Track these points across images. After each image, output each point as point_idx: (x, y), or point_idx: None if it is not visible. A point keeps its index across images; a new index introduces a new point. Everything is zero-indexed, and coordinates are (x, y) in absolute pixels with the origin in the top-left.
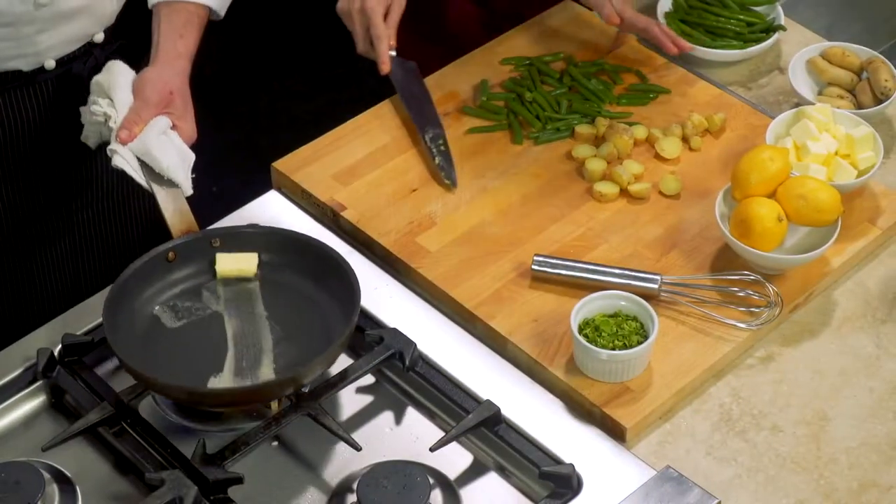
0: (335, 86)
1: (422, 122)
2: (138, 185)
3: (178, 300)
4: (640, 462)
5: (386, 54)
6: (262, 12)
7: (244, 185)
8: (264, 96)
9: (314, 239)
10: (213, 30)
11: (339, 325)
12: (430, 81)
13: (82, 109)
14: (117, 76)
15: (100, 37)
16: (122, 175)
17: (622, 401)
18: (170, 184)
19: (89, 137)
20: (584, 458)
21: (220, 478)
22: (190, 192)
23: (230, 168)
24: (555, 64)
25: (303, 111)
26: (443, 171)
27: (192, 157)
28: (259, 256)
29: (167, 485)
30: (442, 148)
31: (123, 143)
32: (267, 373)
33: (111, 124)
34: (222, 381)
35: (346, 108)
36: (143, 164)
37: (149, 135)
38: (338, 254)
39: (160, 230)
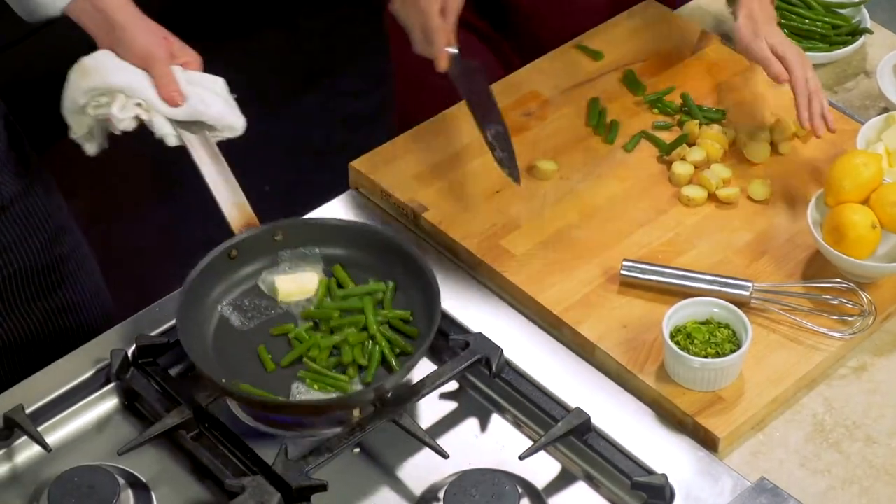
0: (388, 83)
1: (484, 119)
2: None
3: (246, 298)
4: (733, 473)
5: (443, 49)
6: (311, 8)
7: (299, 185)
8: (313, 94)
9: (386, 231)
10: (262, 27)
11: (421, 329)
12: (508, 82)
13: (72, 119)
14: (104, 62)
15: None
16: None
17: (714, 410)
18: (219, 131)
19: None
20: (675, 469)
21: (304, 485)
22: (243, 123)
23: (281, 167)
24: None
25: (355, 109)
26: (505, 168)
27: (221, 82)
28: (324, 253)
29: (248, 491)
30: (503, 143)
31: (178, 105)
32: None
33: (136, 110)
34: (301, 387)
35: None
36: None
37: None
38: (413, 248)
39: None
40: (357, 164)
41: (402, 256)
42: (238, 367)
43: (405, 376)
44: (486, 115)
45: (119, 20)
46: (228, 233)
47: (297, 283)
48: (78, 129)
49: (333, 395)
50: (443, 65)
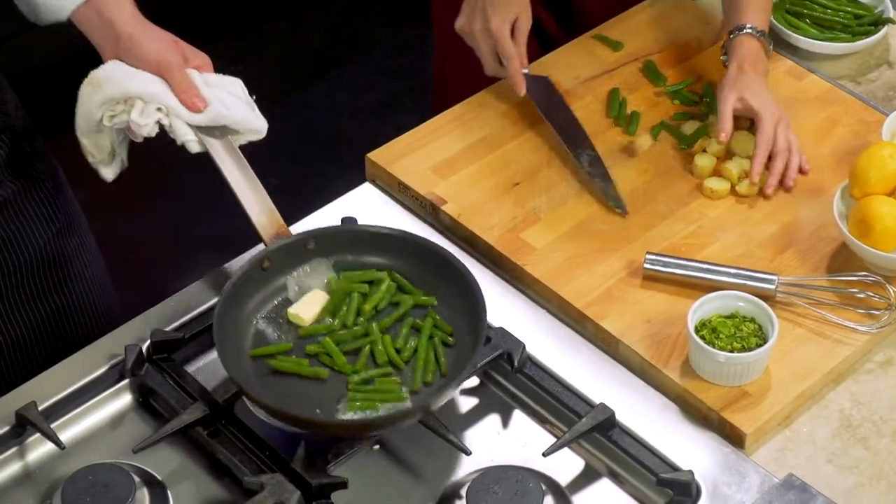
0: (398, 75)
1: (574, 146)
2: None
3: (281, 310)
4: (760, 469)
5: (519, 74)
6: None
7: (306, 177)
8: (318, 86)
9: (428, 241)
10: (266, 19)
11: (465, 343)
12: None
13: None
14: (116, 72)
15: None
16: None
17: (740, 405)
18: (241, 134)
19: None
20: (701, 465)
21: (324, 482)
22: (265, 126)
23: (288, 160)
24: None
25: (362, 101)
26: (610, 200)
27: (239, 83)
28: (359, 261)
29: (267, 489)
30: (601, 170)
31: (200, 111)
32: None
33: (157, 115)
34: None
35: (409, 99)
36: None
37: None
38: (457, 259)
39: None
40: (374, 156)
41: (443, 265)
42: (277, 386)
43: (455, 390)
44: (575, 140)
45: (126, 30)
46: (233, 229)
47: (311, 305)
48: (96, 151)
49: (382, 414)
50: (521, 90)
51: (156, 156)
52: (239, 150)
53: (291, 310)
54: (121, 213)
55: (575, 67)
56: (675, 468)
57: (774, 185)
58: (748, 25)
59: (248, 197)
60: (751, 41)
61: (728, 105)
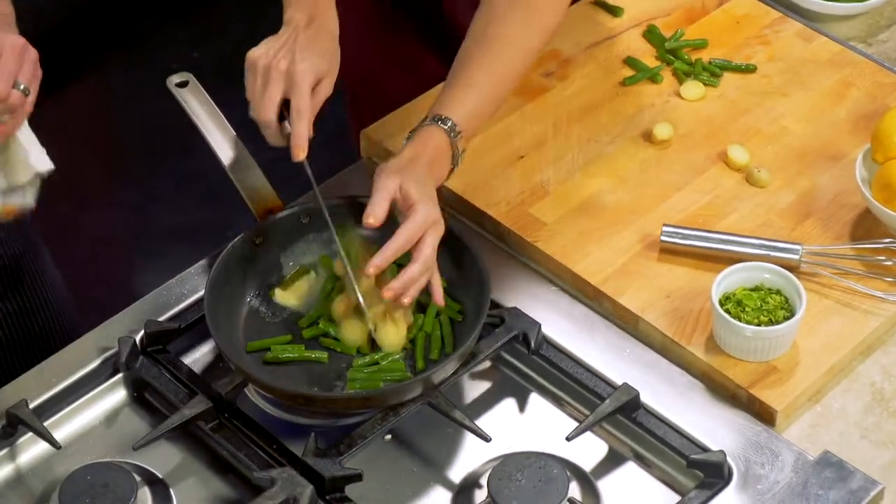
0: None
1: None
2: None
3: (274, 289)
4: (794, 447)
5: (305, 135)
6: None
7: (275, 162)
8: None
9: None
10: None
11: (473, 318)
12: None
13: None
14: None
15: None
16: None
17: (769, 381)
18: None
19: None
20: (731, 445)
21: (338, 475)
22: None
23: (253, 143)
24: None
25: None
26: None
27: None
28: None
29: (278, 484)
30: None
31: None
32: None
33: None
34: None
35: None
36: None
37: None
38: (455, 227)
39: None
40: (370, 131)
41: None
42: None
43: (458, 364)
44: None
45: None
46: (198, 218)
47: (297, 294)
48: None
49: (382, 388)
50: (301, 153)
51: (114, 145)
52: (230, 127)
53: (279, 289)
54: (79, 206)
55: (575, 34)
56: (704, 449)
57: (397, 290)
58: (446, 118)
59: (241, 173)
60: (441, 138)
61: (387, 187)
